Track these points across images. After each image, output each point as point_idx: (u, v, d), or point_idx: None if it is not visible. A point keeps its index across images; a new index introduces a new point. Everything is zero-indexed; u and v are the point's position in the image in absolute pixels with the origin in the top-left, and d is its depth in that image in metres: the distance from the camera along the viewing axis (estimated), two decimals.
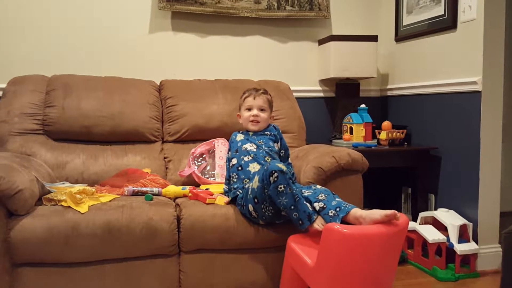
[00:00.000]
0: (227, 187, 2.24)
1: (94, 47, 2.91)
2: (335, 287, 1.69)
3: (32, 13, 2.82)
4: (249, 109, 2.33)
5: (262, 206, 1.93)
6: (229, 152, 2.32)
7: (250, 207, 1.97)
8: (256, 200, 1.93)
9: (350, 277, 1.69)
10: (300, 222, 1.84)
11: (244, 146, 2.24)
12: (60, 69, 2.75)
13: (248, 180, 2.10)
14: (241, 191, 2.08)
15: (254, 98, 2.32)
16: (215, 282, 2.04)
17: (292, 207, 1.83)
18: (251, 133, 2.33)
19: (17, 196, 1.82)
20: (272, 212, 1.93)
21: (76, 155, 2.47)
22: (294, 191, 1.84)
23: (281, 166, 1.85)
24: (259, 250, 2.06)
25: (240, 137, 2.32)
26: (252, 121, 2.31)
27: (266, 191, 1.87)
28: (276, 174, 1.82)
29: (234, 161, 2.22)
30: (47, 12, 2.84)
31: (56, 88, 2.56)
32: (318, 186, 2.04)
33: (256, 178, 1.94)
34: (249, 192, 1.97)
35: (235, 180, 2.17)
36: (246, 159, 2.18)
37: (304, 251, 1.79)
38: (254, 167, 2.13)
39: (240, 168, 2.17)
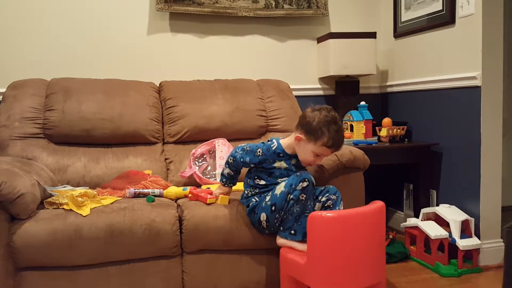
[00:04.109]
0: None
1: (93, 50, 2.92)
2: (329, 273, 1.76)
3: (30, 17, 2.82)
4: (318, 155, 1.97)
5: (277, 215, 1.93)
6: (254, 163, 2.02)
7: (263, 216, 1.96)
8: (273, 208, 1.93)
9: (340, 261, 1.76)
10: (293, 232, 1.92)
11: (281, 179, 2.00)
12: (59, 73, 2.76)
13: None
14: (257, 199, 2.01)
15: (331, 152, 1.99)
16: (219, 283, 2.05)
17: (297, 217, 1.90)
18: (293, 161, 2.02)
19: (19, 200, 1.82)
20: (280, 224, 1.96)
21: (77, 158, 2.47)
22: (308, 205, 1.91)
23: (313, 179, 1.92)
24: (262, 250, 2.07)
25: (280, 165, 2.01)
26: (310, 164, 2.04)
27: (289, 195, 1.89)
28: (306, 183, 1.87)
29: (262, 182, 2.02)
30: (45, 16, 2.84)
31: (56, 91, 2.56)
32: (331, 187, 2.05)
33: (282, 184, 1.93)
34: (267, 199, 1.95)
35: (256, 191, 2.05)
36: (276, 187, 1.98)
37: (297, 255, 1.88)
38: (280, 189, 1.99)
39: (266, 186, 2.03)
